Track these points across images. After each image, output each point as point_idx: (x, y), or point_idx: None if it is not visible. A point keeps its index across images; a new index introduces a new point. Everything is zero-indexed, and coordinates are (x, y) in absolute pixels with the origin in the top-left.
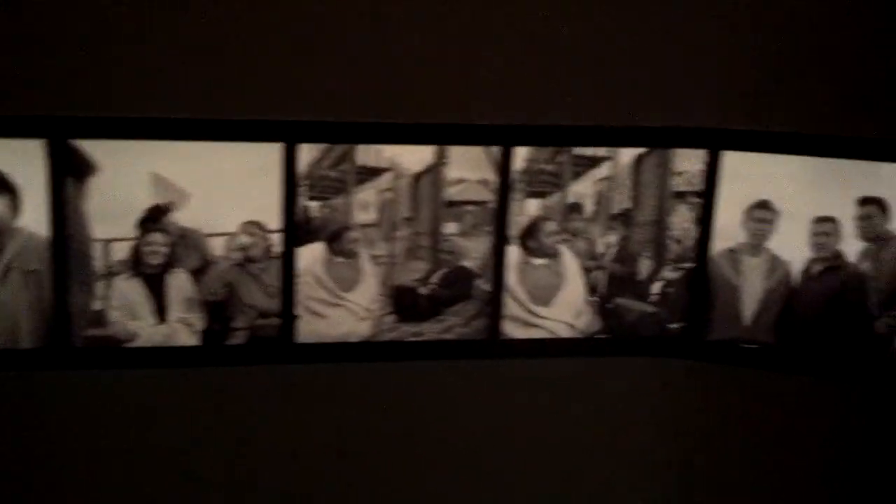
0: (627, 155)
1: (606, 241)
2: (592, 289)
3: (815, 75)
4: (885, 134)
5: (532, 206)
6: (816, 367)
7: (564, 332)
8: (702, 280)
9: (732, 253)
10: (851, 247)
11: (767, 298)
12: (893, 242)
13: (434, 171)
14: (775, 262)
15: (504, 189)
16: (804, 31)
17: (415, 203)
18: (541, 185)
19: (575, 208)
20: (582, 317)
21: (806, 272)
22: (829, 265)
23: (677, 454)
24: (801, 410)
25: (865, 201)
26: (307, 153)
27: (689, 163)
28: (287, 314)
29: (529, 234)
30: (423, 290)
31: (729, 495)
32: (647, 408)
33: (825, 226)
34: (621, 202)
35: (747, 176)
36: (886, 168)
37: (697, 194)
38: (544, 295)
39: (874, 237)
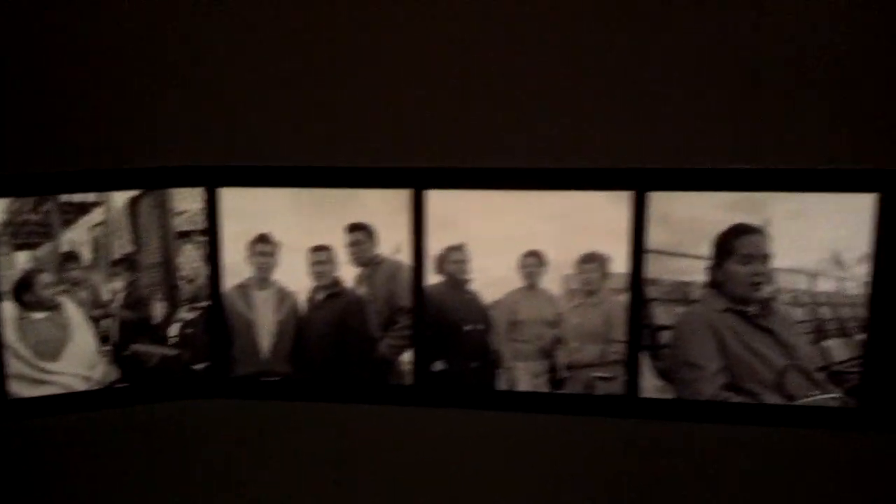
0: (120, 198)
1: (112, 288)
2: (104, 338)
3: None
4: (371, 163)
5: (22, 259)
6: (330, 393)
7: (80, 386)
8: (218, 318)
9: (243, 288)
10: (348, 273)
11: (280, 330)
12: (384, 266)
13: None
14: (283, 294)
15: None
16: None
17: None
18: (28, 236)
19: (71, 257)
20: (97, 367)
21: (311, 301)
22: (331, 292)
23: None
24: (318, 435)
25: (353, 228)
26: None
27: (188, 202)
28: None
29: (24, 288)
30: None
31: None
32: (183, 449)
33: (321, 254)
34: (122, 247)
35: (246, 211)
36: (368, 195)
37: (202, 232)
38: (50, 349)
39: (366, 262)
